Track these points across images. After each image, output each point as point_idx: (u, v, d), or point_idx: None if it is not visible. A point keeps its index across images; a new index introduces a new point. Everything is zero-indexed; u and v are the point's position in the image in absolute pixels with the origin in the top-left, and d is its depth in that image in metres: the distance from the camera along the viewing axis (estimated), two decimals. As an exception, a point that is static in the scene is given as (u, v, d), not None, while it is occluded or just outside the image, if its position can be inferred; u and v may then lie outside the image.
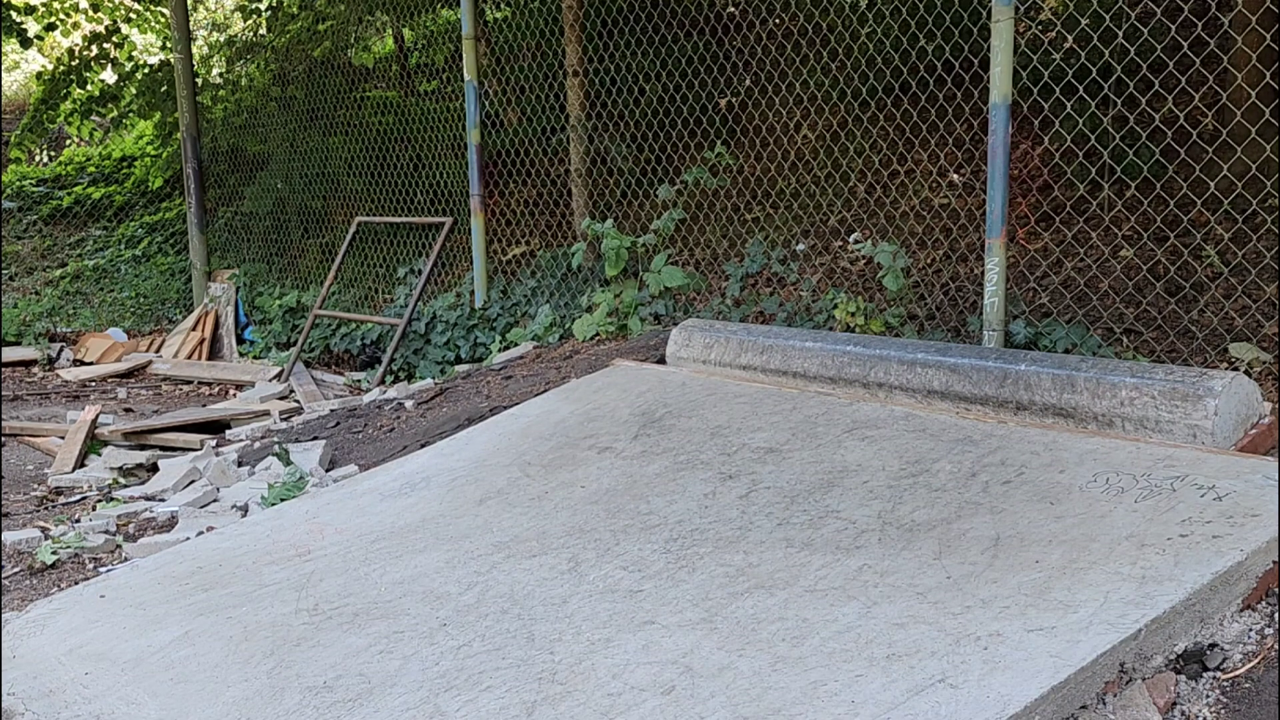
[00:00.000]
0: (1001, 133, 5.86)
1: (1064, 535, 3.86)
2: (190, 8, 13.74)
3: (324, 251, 12.84)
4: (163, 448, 8.01)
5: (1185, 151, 6.62)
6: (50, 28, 15.98)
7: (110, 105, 15.54)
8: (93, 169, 17.67)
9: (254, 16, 14.48)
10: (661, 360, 6.76)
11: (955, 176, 8.36)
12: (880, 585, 3.79)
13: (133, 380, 11.23)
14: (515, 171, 10.87)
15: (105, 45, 15.07)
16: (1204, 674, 3.34)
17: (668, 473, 5.04)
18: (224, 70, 14.96)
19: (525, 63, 11.10)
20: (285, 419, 8.40)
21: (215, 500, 6.34)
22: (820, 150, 8.98)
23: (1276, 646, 3.41)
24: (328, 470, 6.44)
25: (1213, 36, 6.37)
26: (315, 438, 7.09)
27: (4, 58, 14.77)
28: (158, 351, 12.27)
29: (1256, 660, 3.37)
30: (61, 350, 12.32)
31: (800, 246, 8.20)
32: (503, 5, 12.11)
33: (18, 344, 12.50)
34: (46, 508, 6.77)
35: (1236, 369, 5.62)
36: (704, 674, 3.45)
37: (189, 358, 11.96)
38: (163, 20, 16.12)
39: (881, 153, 8.64)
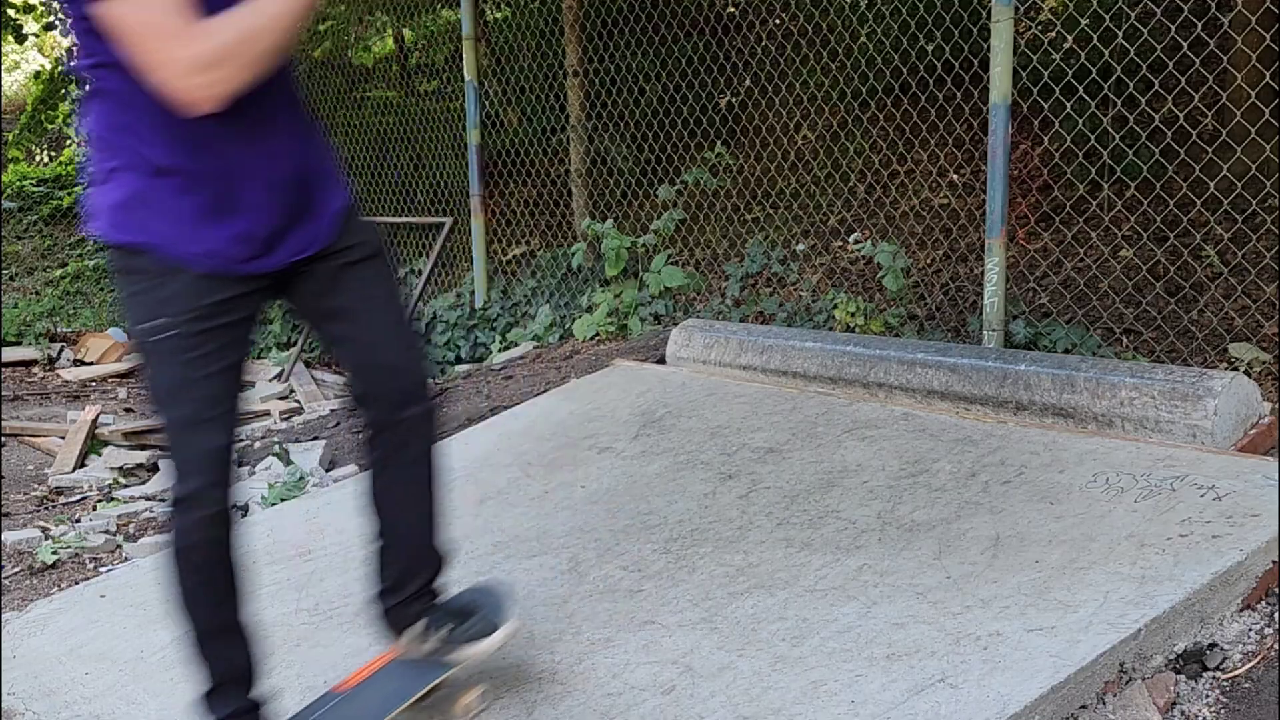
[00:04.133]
0: (1001, 133, 5.85)
1: (1064, 535, 3.86)
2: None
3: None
4: (163, 448, 7.99)
5: (1185, 151, 6.62)
6: (49, 27, 15.97)
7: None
8: (93, 169, 17.62)
9: (254, 16, 14.46)
10: (662, 360, 6.77)
11: (955, 177, 8.36)
12: (880, 585, 3.79)
13: (133, 380, 11.22)
14: (515, 172, 10.87)
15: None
16: (1204, 674, 3.35)
17: (668, 473, 5.04)
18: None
19: (525, 63, 11.11)
20: (285, 419, 8.40)
21: (215, 500, 6.33)
22: (820, 150, 8.98)
23: (1276, 646, 3.41)
24: (328, 470, 6.44)
25: (1213, 36, 6.37)
26: (315, 438, 7.09)
27: (4, 58, 14.74)
28: (158, 352, 12.23)
29: (1256, 660, 3.38)
30: (62, 350, 12.32)
31: (800, 247, 8.21)
32: (503, 5, 12.13)
33: (18, 344, 12.49)
34: (47, 508, 6.77)
35: (1236, 369, 5.63)
36: (704, 674, 3.46)
37: (189, 358, 11.93)
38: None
39: (881, 153, 8.64)
